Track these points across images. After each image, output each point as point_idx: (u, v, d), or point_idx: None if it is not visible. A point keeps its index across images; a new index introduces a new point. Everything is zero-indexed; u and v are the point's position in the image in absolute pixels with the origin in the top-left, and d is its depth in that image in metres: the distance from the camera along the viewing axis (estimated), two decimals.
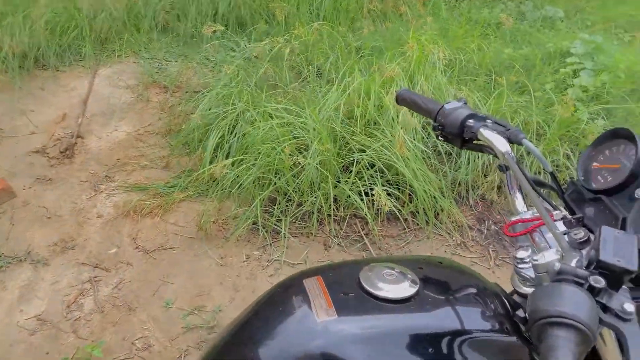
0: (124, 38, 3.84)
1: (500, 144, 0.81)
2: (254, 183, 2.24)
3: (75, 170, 2.69)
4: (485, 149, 0.90)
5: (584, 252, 0.68)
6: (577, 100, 2.80)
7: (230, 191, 2.29)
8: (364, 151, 2.28)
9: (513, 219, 0.82)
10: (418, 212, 2.19)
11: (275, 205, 2.27)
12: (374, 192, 2.07)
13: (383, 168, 2.23)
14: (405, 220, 2.21)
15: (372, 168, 2.25)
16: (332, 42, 3.24)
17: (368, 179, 2.20)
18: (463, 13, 4.20)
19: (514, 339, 0.71)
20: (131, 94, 3.39)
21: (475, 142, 0.90)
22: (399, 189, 2.24)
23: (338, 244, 2.18)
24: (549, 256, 0.69)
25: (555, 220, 0.75)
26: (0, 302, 1.97)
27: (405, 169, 2.17)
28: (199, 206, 2.35)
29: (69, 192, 2.53)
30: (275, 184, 2.22)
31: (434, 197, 2.20)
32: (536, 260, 0.70)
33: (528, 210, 0.83)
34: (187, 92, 3.26)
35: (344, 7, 3.94)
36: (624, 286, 0.58)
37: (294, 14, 3.73)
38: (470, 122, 0.88)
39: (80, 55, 3.73)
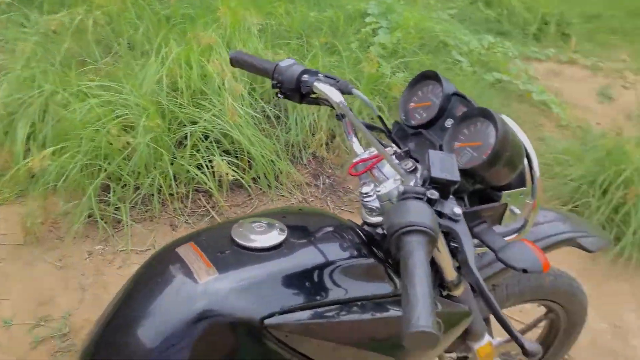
0: None
1: (334, 95, 0.92)
2: (81, 172, 2.06)
3: None
4: (322, 101, 1.00)
5: (417, 174, 0.82)
6: (380, 57, 3.11)
7: (56, 185, 2.07)
8: (195, 123, 2.24)
9: (354, 160, 0.93)
10: (259, 178, 2.26)
11: (109, 193, 2.12)
12: (213, 164, 2.08)
13: (218, 138, 2.23)
14: (249, 187, 2.27)
15: (206, 139, 2.23)
16: (139, 12, 3.04)
17: (205, 150, 2.19)
18: None
19: (372, 260, 0.84)
20: None
21: (311, 96, 1.00)
22: (236, 157, 2.27)
23: (185, 221, 2.15)
24: (389, 185, 0.83)
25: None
26: None
27: (240, 136, 2.21)
28: (20, 208, 2.07)
29: None
30: (105, 170, 2.08)
31: (272, 161, 2.29)
32: (379, 191, 0.84)
33: (365, 151, 0.94)
34: None
35: None
36: (451, 196, 0.73)
37: None
38: (305, 77, 0.97)
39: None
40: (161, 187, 2.14)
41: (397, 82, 2.79)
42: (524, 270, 0.74)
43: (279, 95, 1.02)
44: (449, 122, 0.92)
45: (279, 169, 2.31)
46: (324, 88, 0.93)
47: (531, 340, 0.68)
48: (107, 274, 1.93)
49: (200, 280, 0.73)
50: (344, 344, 0.80)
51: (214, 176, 2.17)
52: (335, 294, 0.79)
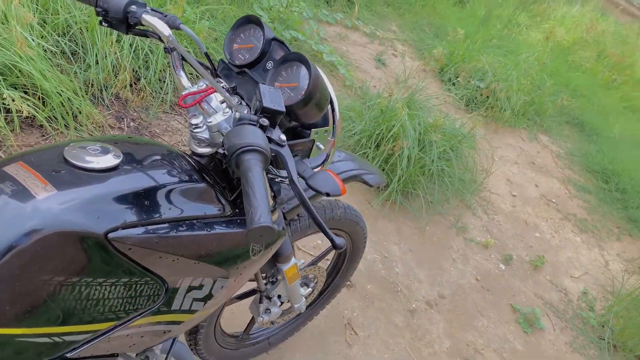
0: None
1: (164, 28, 0.95)
2: None
3: None
4: (150, 33, 1.02)
5: (249, 105, 0.93)
6: (187, 3, 3.06)
7: None
8: None
9: (184, 93, 0.97)
10: (55, 118, 2.10)
11: None
12: (4, 97, 1.87)
13: (4, 71, 2.00)
14: (42, 126, 2.09)
15: None
16: None
17: None
18: None
19: (203, 185, 0.94)
20: None
21: (138, 27, 1.01)
22: (26, 92, 2.07)
23: None
24: (219, 117, 0.94)
25: (216, 91, 0.96)
26: None
27: (32, 70, 2.01)
28: None
29: None
30: None
31: (69, 100, 2.14)
32: (210, 122, 0.94)
33: (193, 85, 0.99)
34: None
35: None
36: (277, 126, 0.87)
37: None
38: (133, 7, 0.98)
39: None
40: None
41: (202, 28, 2.81)
42: (327, 194, 0.93)
43: (103, 23, 1.01)
44: (269, 65, 1.04)
45: (77, 108, 2.18)
46: (152, 21, 0.95)
47: (337, 236, 0.87)
48: None
49: (38, 196, 0.73)
50: (182, 257, 0.88)
51: None
52: (172, 212, 0.86)
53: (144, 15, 0.96)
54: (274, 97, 0.85)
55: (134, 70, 2.46)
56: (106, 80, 2.37)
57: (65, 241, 0.74)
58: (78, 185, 0.78)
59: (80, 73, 2.30)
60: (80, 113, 2.19)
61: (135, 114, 2.42)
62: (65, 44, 2.28)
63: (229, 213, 0.97)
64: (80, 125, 2.19)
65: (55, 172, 0.78)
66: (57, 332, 0.79)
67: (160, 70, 2.53)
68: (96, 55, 2.33)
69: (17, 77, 2.04)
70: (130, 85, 2.43)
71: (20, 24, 2.04)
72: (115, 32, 2.36)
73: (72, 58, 2.31)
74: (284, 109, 0.85)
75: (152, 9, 1.00)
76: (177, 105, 2.63)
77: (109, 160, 0.83)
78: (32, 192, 0.74)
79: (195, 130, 0.98)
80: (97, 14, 1.00)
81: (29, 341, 0.76)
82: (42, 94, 2.07)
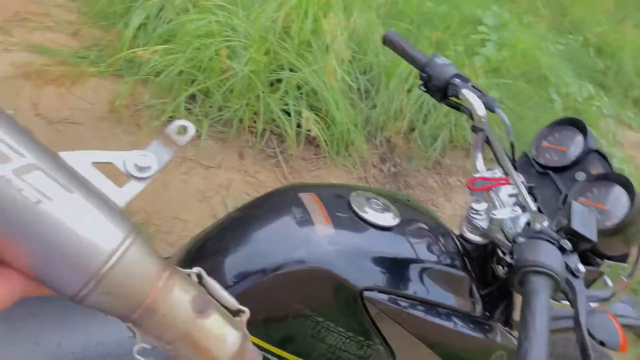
0: None
1: (479, 107, 0.92)
2: (179, 75, 2.17)
3: None
4: (463, 108, 1.00)
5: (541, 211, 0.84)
6: (481, 69, 3.10)
7: (149, 78, 2.19)
8: (293, 71, 2.31)
9: (476, 175, 0.94)
10: (332, 142, 2.33)
11: (195, 103, 2.23)
12: (301, 116, 2.15)
13: (309, 91, 2.30)
14: (318, 146, 2.34)
15: (298, 89, 2.30)
16: None
17: (293, 99, 2.26)
18: None
19: (463, 274, 0.87)
20: None
21: (452, 98, 1.01)
22: (317, 115, 2.34)
23: (253, 156, 2.25)
24: (505, 213, 0.85)
25: (510, 183, 0.91)
26: None
27: (330, 97, 2.27)
28: (111, 85, 2.21)
29: None
30: (204, 81, 2.18)
31: (348, 130, 2.35)
32: (494, 215, 0.85)
33: (487, 170, 0.95)
34: None
35: None
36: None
37: None
38: (457, 80, 0.97)
39: None
40: (242, 117, 2.23)
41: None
42: (601, 343, 0.77)
43: (422, 87, 1.05)
44: (580, 176, 0.92)
45: (351, 139, 2.37)
46: (471, 97, 0.93)
47: None
48: (170, 175, 2.05)
49: (318, 231, 0.76)
50: (420, 340, 0.83)
51: (291, 125, 2.25)
52: (426, 292, 0.82)
53: (463, 90, 0.95)
54: (586, 220, 0.73)
55: (412, 120, 2.57)
56: (384, 122, 2.53)
57: (324, 281, 0.76)
58: (354, 233, 0.80)
59: (365, 110, 2.51)
60: (352, 144, 2.38)
61: (398, 160, 2.52)
62: (362, 81, 2.52)
63: (479, 313, 0.90)
64: (349, 154, 2.38)
65: (339, 213, 0.81)
66: (281, 355, 0.82)
67: (436, 127, 2.59)
68: (384, 98, 2.51)
69: (316, 100, 2.33)
70: (404, 133, 2.54)
71: (336, 57, 2.33)
72: (408, 83, 2.52)
73: (363, 95, 2.54)
74: (595, 239, 0.72)
75: (473, 86, 0.98)
76: (438, 165, 2.65)
77: (388, 219, 0.83)
78: (315, 224, 0.77)
79: (473, 215, 0.92)
80: (421, 77, 1.03)
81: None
82: (329, 119, 2.31)
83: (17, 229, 0.38)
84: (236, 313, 0.47)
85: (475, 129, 0.96)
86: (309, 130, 2.20)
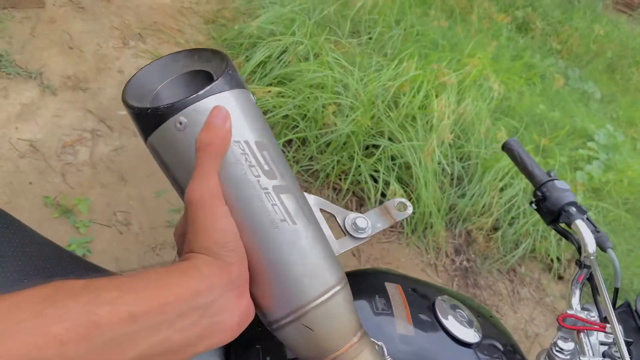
0: None
1: (591, 244, 0.87)
2: (283, 119, 2.23)
3: (110, 12, 2.55)
4: (571, 238, 0.96)
5: None
6: (581, 186, 2.95)
7: None
8: (392, 141, 2.31)
9: (569, 312, 0.87)
10: (412, 219, 2.28)
11: (290, 147, 2.27)
12: (388, 186, 2.13)
13: (401, 164, 2.28)
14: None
15: (392, 160, 2.29)
16: (400, 17, 3.19)
17: (385, 168, 2.25)
18: (518, 49, 4.23)
19: None
20: None
21: (561, 224, 0.96)
22: (404, 189, 2.30)
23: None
24: None
25: (605, 332, 0.83)
26: (0, 109, 1.89)
27: (422, 176, 2.23)
28: None
29: (98, 32, 2.41)
30: (304, 130, 2.22)
31: (430, 213, 2.29)
32: None
33: (582, 308, 0.88)
34: None
35: None
36: None
37: None
38: (572, 209, 0.94)
39: None
40: (330, 173, 2.24)
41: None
42: None
43: (533, 205, 1.01)
44: None
45: (431, 222, 2.31)
46: (584, 231, 0.89)
47: None
48: None
49: (397, 327, 0.73)
50: None
51: (376, 192, 2.22)
52: None
53: (577, 221, 0.91)
54: None
55: (497, 220, 2.47)
56: (469, 214, 2.44)
57: None
58: (433, 341, 0.77)
59: (453, 197, 2.44)
60: (431, 227, 2.31)
61: (473, 255, 2.41)
62: (457, 167, 2.46)
63: None
64: (424, 236, 2.31)
65: (422, 315, 0.78)
66: None
67: (521, 234, 2.46)
68: (475, 190, 2.43)
69: (407, 175, 2.30)
70: (486, 231, 2.44)
71: (437, 138, 2.30)
72: (503, 181, 2.43)
73: (454, 181, 2.48)
74: None
75: (589, 219, 0.94)
76: (513, 271, 2.51)
77: (470, 335, 0.79)
78: (395, 319, 0.74)
79: (557, 353, 0.86)
80: (534, 195, 1.01)
81: None
82: (415, 197, 2.26)
83: (257, 237, 0.44)
84: None
85: (580, 264, 0.92)
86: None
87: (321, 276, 0.46)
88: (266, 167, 0.45)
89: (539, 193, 0.99)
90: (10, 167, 1.77)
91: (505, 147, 1.09)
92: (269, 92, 2.15)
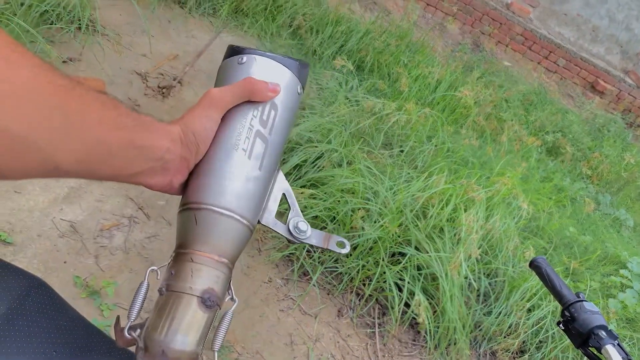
0: (258, 20, 3.98)
1: None
2: (313, 219, 2.29)
3: (163, 110, 2.77)
4: None
5: None
6: (614, 314, 2.83)
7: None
8: (418, 250, 2.32)
9: None
10: (435, 334, 2.21)
11: (316, 247, 2.31)
12: (412, 296, 2.11)
13: (427, 275, 2.27)
14: (418, 332, 2.24)
15: (417, 269, 2.28)
16: (431, 134, 3.33)
17: (410, 277, 2.24)
18: (548, 171, 4.30)
19: None
20: None
21: (594, 350, 0.94)
22: (428, 301, 2.27)
23: (351, 318, 2.20)
24: None
25: None
26: (49, 190, 2.02)
27: (445, 288, 2.21)
28: None
29: None
30: (332, 231, 2.27)
31: (455, 328, 2.22)
32: None
33: None
34: None
35: (452, 106, 4.07)
36: None
37: (410, 88, 3.84)
38: (602, 333, 0.91)
39: (214, 12, 3.87)
40: (354, 277, 2.24)
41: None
42: None
43: (561, 326, 1.00)
44: None
45: (456, 339, 2.23)
46: (615, 357, 0.86)
47: None
48: (270, 307, 2.07)
49: None
50: None
51: (400, 302, 2.19)
52: None
53: (608, 346, 0.89)
54: None
55: (524, 342, 2.37)
56: (494, 334, 2.36)
57: None
58: None
59: (479, 314, 2.37)
60: (455, 344, 2.23)
61: None
62: (484, 284, 2.43)
63: None
64: (447, 353, 2.22)
65: None
66: None
67: (550, 359, 2.35)
68: (502, 309, 2.37)
69: (432, 286, 2.28)
70: (512, 353, 2.33)
71: (465, 252, 2.30)
72: (531, 302, 2.37)
73: (481, 298, 2.43)
74: None
75: (619, 345, 0.91)
76: None
77: None
78: None
79: None
80: (562, 315, 0.99)
81: None
82: (440, 310, 2.22)
83: (219, 145, 0.57)
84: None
85: None
86: (416, 315, 2.13)
87: (237, 200, 0.55)
88: (265, 118, 0.60)
89: (567, 313, 0.98)
90: (49, 245, 1.84)
91: (533, 265, 1.10)
92: (302, 193, 2.24)
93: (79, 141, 0.42)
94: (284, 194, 0.64)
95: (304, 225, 0.62)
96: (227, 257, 0.54)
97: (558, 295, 1.03)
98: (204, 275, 0.52)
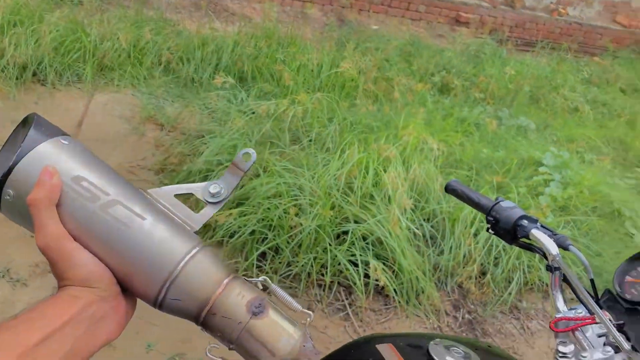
0: (126, 69, 3.89)
1: (551, 246, 0.91)
2: (251, 235, 2.29)
3: None
4: (535, 248, 1.00)
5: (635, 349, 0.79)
6: (551, 211, 3.06)
7: (223, 240, 2.32)
8: (358, 222, 2.39)
9: (558, 315, 0.89)
10: (401, 291, 2.29)
11: (266, 260, 2.32)
12: (368, 266, 2.17)
13: (375, 242, 2.34)
14: (387, 296, 2.31)
15: (364, 240, 2.35)
16: (331, 114, 3.43)
17: (360, 249, 2.30)
18: (446, 108, 4.54)
19: None
20: (126, 125, 3.41)
21: (524, 240, 1.01)
22: (384, 264, 2.34)
23: (321, 310, 2.23)
24: (596, 355, 0.80)
25: (596, 322, 0.86)
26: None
27: (397, 246, 2.29)
28: None
29: None
30: (273, 239, 2.29)
31: (417, 278, 2.32)
32: (584, 357, 0.81)
33: (569, 310, 0.91)
34: (183, 134, 3.32)
35: (340, 83, 4.20)
36: None
37: (295, 80, 3.92)
38: (524, 222, 0.97)
39: (79, 78, 3.74)
40: (310, 271, 2.27)
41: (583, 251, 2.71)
42: None
43: (490, 231, 1.06)
44: None
45: (422, 287, 2.33)
46: (541, 237, 0.93)
47: None
48: None
49: None
50: None
51: (359, 276, 2.25)
52: None
53: (532, 231, 0.96)
54: None
55: (482, 264, 2.51)
56: (454, 268, 2.48)
57: None
58: None
59: (433, 257, 2.49)
60: (422, 292, 2.33)
61: (472, 306, 2.42)
62: (427, 228, 2.54)
63: None
64: (420, 303, 2.32)
65: None
66: None
67: (509, 270, 2.50)
68: (451, 243, 2.50)
69: (382, 249, 2.36)
70: (475, 278, 2.46)
71: (399, 207, 2.40)
72: (474, 227, 2.51)
73: (429, 242, 2.54)
74: None
75: (542, 226, 0.98)
76: (515, 309, 2.51)
77: None
78: None
79: (560, 359, 0.89)
80: (487, 221, 1.05)
81: None
82: (397, 268, 2.30)
83: (111, 250, 0.51)
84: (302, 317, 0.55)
85: (550, 268, 0.95)
86: (377, 280, 2.20)
87: (172, 250, 0.52)
88: (87, 194, 0.51)
89: (490, 218, 1.04)
90: None
91: (448, 190, 1.17)
92: (231, 214, 2.23)
93: None
94: (174, 196, 0.59)
95: (215, 188, 0.59)
96: (227, 273, 0.54)
97: (478, 206, 1.10)
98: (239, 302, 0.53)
